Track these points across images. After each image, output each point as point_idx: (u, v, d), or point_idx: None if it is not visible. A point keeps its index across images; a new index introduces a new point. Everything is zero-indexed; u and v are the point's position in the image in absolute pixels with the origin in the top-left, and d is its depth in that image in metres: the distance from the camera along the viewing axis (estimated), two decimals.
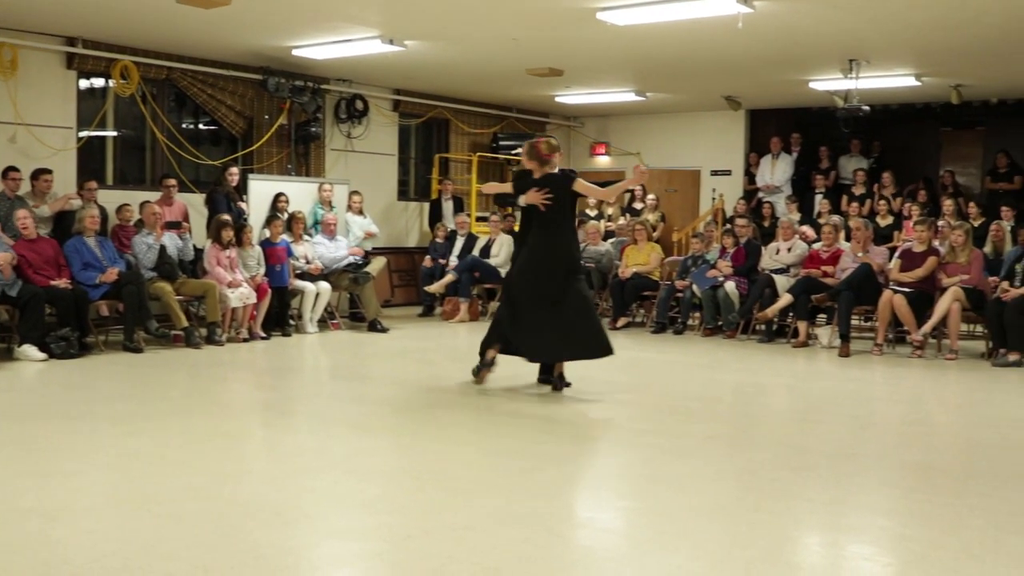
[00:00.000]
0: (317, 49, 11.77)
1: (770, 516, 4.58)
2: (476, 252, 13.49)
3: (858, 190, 14.75)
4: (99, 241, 10.02)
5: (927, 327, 10.13)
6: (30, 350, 9.05)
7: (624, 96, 15.46)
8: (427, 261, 14.17)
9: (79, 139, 11.54)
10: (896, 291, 10.26)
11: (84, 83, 11.78)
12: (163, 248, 10.45)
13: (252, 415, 7.38)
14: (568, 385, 7.97)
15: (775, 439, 6.55)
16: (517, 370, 8.37)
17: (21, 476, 5.15)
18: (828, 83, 13.37)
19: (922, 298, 10.24)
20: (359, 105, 14.45)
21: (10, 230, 9.77)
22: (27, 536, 4.13)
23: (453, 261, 13.59)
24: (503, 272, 13.54)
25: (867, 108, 12.75)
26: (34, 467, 5.34)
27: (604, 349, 7.72)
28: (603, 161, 18.43)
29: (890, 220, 13.51)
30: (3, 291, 9.02)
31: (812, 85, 13.71)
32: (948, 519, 4.57)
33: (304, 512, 4.60)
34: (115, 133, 12.39)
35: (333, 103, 14.29)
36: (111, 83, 11.74)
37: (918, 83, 13.25)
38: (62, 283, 9.43)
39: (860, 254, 10.86)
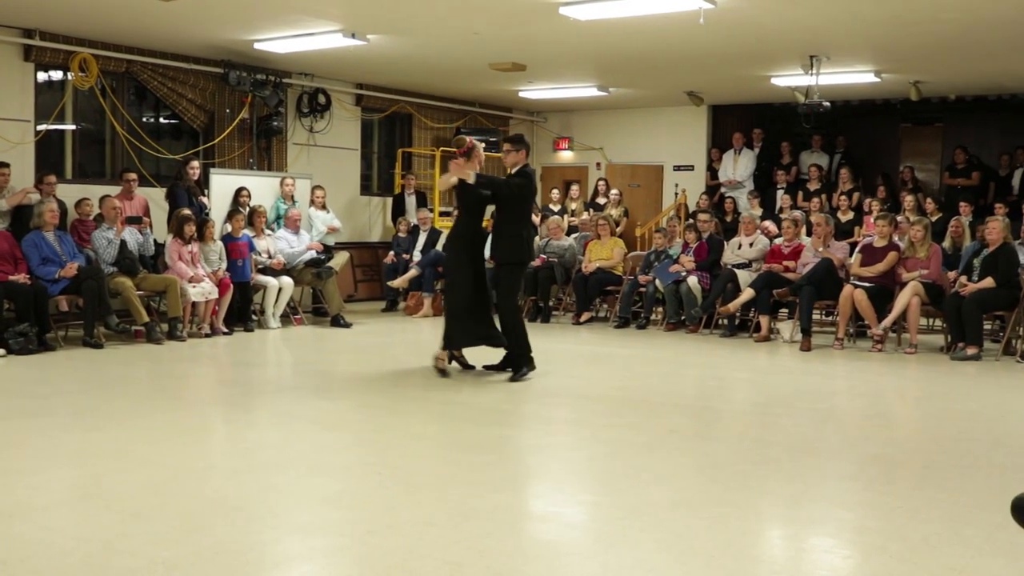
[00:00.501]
0: (279, 43, 11.71)
1: (732, 509, 4.61)
2: (439, 247, 13.45)
3: (813, 185, 14.85)
4: (58, 236, 9.92)
5: (887, 321, 10.22)
6: None
7: (587, 91, 15.49)
8: (390, 256, 14.14)
9: (37, 132, 11.41)
10: (857, 286, 10.36)
11: (42, 76, 11.65)
12: (123, 243, 10.36)
13: (214, 410, 7.34)
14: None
15: (737, 433, 6.59)
16: (476, 363, 8.41)
17: None
18: (789, 79, 13.46)
19: (882, 293, 10.34)
20: (321, 99, 14.39)
21: None
22: None
23: (416, 256, 13.57)
24: None
25: (828, 104, 12.84)
26: None
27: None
28: (566, 156, 18.45)
29: (851, 215, 13.62)
30: None
31: (774, 81, 13.80)
32: (907, 511, 4.61)
33: (266, 508, 4.58)
34: (74, 126, 12.27)
35: (295, 97, 14.22)
36: (70, 76, 11.62)
37: (878, 79, 13.37)
38: (21, 278, 9.33)
39: (821, 249, 10.94)
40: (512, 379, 8.14)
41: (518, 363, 8.29)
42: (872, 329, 10.30)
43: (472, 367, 8.49)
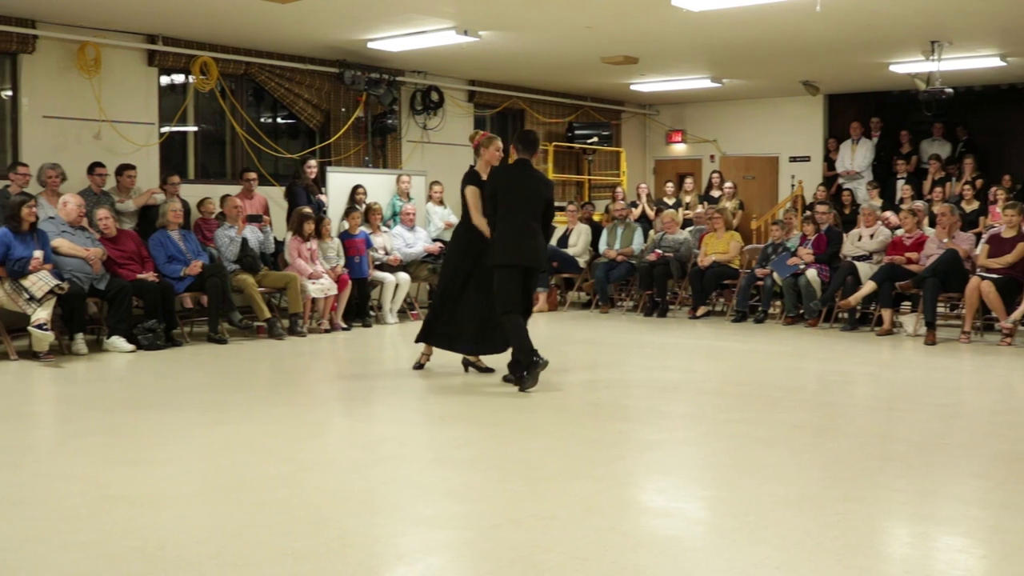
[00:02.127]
0: (392, 41, 11.83)
1: (859, 506, 4.51)
2: (554, 242, 13.47)
3: (935, 175, 14.44)
4: (183, 235, 10.19)
5: (1017, 314, 9.89)
6: (119, 341, 9.24)
7: (700, 83, 15.33)
8: None
9: (161, 135, 11.74)
10: (984, 277, 10.04)
11: (165, 79, 11.98)
12: (245, 241, 10.60)
13: (335, 405, 7.45)
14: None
15: (861, 428, 6.45)
16: (594, 360, 8.38)
17: (112, 464, 5.26)
18: (909, 65, 13.11)
19: (1011, 284, 10.01)
20: (434, 96, 14.50)
21: (96, 225, 9.99)
22: (119, 523, 4.21)
23: None
24: (581, 262, 13.55)
25: (950, 91, 12.46)
26: (124, 456, 5.46)
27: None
28: (679, 149, 18.29)
29: (976, 205, 13.22)
30: (92, 285, 9.22)
31: (892, 68, 13.46)
32: None
33: (390, 501, 4.63)
34: (195, 128, 12.59)
35: (408, 95, 14.35)
36: (191, 79, 11.92)
37: (1004, 63, 12.94)
38: (148, 276, 9.61)
39: (946, 240, 10.64)
40: (520, 388, 7.52)
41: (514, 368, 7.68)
42: (1001, 322, 9.98)
43: (490, 370, 8.21)
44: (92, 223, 9.89)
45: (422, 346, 8.35)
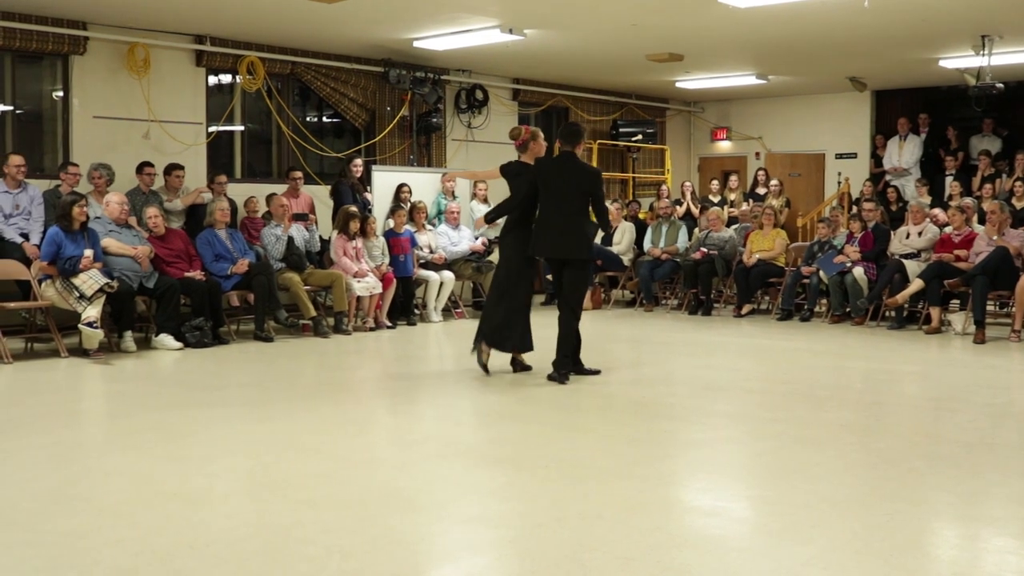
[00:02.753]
0: (437, 40, 11.87)
1: (908, 506, 4.47)
2: (598, 240, 13.41)
3: (985, 171, 14.25)
4: (230, 233, 10.28)
5: None
6: (167, 339, 9.34)
7: (745, 80, 15.25)
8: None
9: (209, 134, 11.85)
10: None
11: (212, 79, 12.10)
12: (291, 239, 10.67)
13: (380, 403, 7.49)
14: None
15: (909, 428, 6.39)
16: (639, 358, 8.36)
17: (162, 461, 5.32)
18: (959, 60, 12.96)
19: None
20: (479, 95, 14.53)
21: (145, 224, 10.11)
22: (171, 519, 4.26)
23: None
24: (626, 260, 13.51)
25: (1001, 86, 12.30)
26: (174, 452, 5.52)
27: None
28: (724, 146, 18.21)
29: None
30: (141, 283, 9.32)
31: (942, 63, 13.31)
32: None
33: (435, 499, 4.65)
34: (242, 128, 12.70)
35: (453, 93, 14.39)
36: (238, 79, 12.03)
37: None
38: (197, 275, 9.70)
39: (995, 237, 10.51)
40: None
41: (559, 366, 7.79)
42: None
43: (529, 367, 8.21)
44: (141, 222, 10.02)
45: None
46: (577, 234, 7.69)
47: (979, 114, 14.73)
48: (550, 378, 7.72)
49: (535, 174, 7.78)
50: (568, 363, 7.71)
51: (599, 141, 16.06)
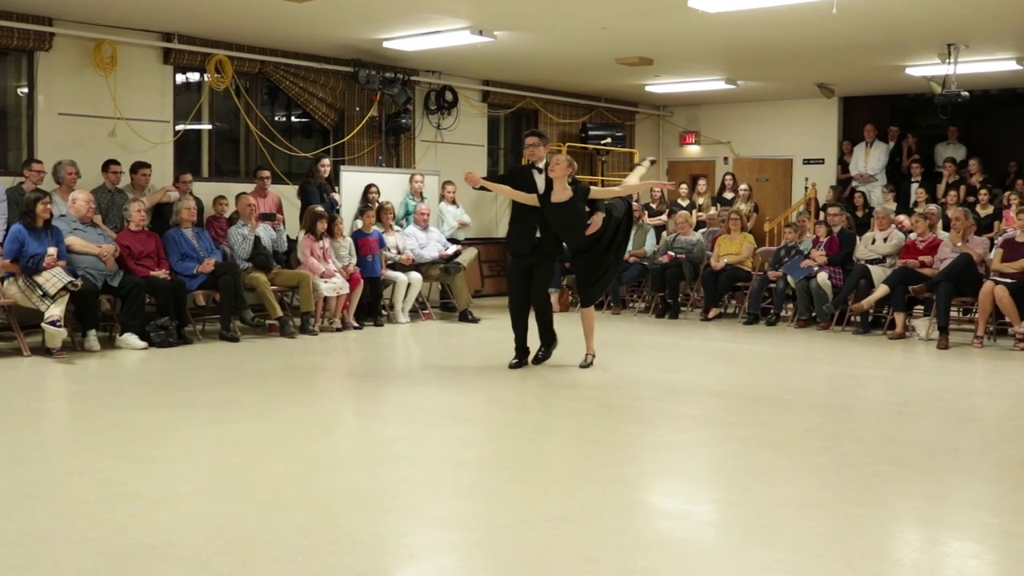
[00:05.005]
0: (407, 41, 11.84)
1: (870, 510, 4.50)
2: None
3: (949, 178, 14.39)
4: (196, 232, 10.22)
5: None
6: (131, 338, 9.27)
7: (714, 84, 15.31)
8: None
9: (176, 133, 11.77)
10: (998, 282, 9.99)
11: (180, 77, 12.02)
12: (258, 239, 10.62)
13: (346, 404, 7.47)
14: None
15: (873, 432, 6.43)
16: (606, 361, 8.38)
17: (124, 460, 5.27)
18: (925, 68, 13.07)
19: None
20: (448, 96, 14.51)
21: (111, 222, 10.03)
22: (133, 519, 4.23)
23: None
24: None
25: (966, 94, 12.42)
26: (137, 453, 5.47)
27: None
28: (693, 151, 18.28)
29: (990, 210, 13.16)
30: (106, 281, 9.25)
31: (909, 71, 13.42)
32: None
33: (400, 500, 4.63)
34: (210, 126, 12.62)
35: (423, 95, 14.37)
36: (206, 77, 11.95)
37: (1020, 67, 12.88)
38: (162, 274, 9.63)
39: (960, 244, 10.60)
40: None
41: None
42: (1014, 327, 9.93)
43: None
44: (107, 219, 9.95)
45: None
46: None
47: (945, 121, 14.87)
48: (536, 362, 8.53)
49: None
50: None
51: (568, 144, 16.07)
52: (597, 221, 8.18)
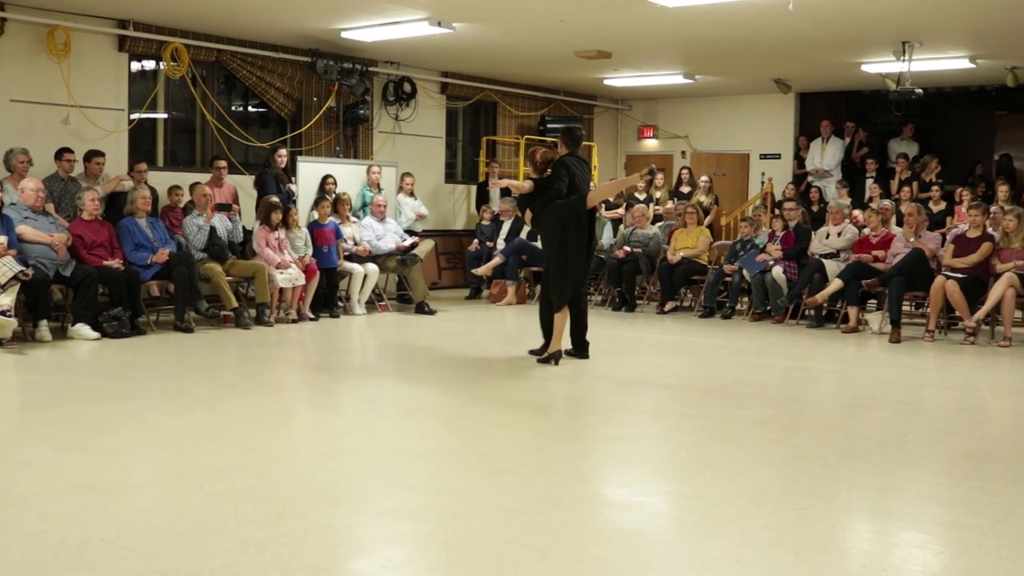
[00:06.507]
0: (366, 31, 11.80)
1: (820, 502, 4.55)
2: (523, 235, 13.46)
3: (903, 174, 14.55)
4: (150, 222, 10.12)
5: (980, 313, 9.98)
6: (83, 329, 9.17)
7: (673, 79, 15.37)
8: (474, 244, 14.20)
9: (130, 121, 11.65)
10: (949, 277, 10.12)
11: (135, 65, 11.90)
12: (213, 229, 10.54)
13: (300, 395, 7.44)
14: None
15: (824, 425, 6.50)
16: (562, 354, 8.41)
17: (75, 452, 5.22)
18: (880, 66, 13.20)
19: (975, 284, 10.10)
20: (407, 87, 14.47)
21: (64, 211, 9.91)
22: (82, 511, 4.19)
23: (500, 244, 13.60)
24: None
25: (920, 91, 12.56)
26: (87, 444, 5.42)
27: None
28: (651, 144, 18.35)
29: (943, 206, 13.33)
30: (58, 271, 9.14)
31: (864, 68, 13.55)
32: (1003, 508, 4.50)
33: (353, 492, 4.63)
34: (166, 115, 12.51)
35: (381, 85, 14.32)
36: (162, 65, 11.84)
37: (973, 65, 13.06)
38: (115, 263, 9.54)
39: (912, 239, 10.72)
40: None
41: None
42: (964, 321, 10.07)
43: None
44: (60, 208, 9.83)
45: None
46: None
47: (899, 118, 15.03)
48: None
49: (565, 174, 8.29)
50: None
51: (527, 136, 16.08)
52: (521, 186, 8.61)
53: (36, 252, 9.03)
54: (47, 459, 5.09)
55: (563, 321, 8.28)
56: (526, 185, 8.46)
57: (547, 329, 8.39)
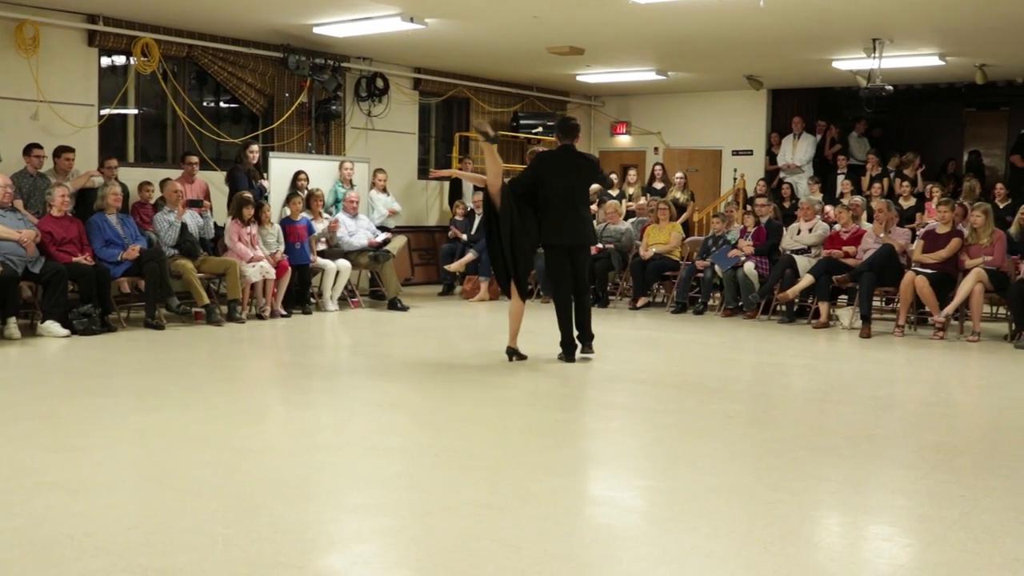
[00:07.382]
0: (338, 27, 11.76)
1: (790, 496, 4.58)
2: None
3: (873, 171, 14.66)
4: (121, 219, 10.06)
5: (949, 309, 10.06)
6: (53, 326, 9.10)
7: (645, 75, 15.41)
8: (453, 231, 14.09)
9: (100, 117, 11.57)
10: (918, 272, 10.20)
11: (105, 60, 11.81)
12: (184, 225, 10.48)
13: (272, 392, 7.42)
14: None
15: (795, 419, 6.54)
16: (534, 350, 8.42)
17: (44, 450, 5.19)
18: (851, 62, 13.28)
19: (944, 279, 10.18)
20: (379, 83, 14.44)
21: (33, 207, 9.83)
22: (51, 509, 4.17)
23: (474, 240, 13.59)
24: None
25: (890, 88, 12.64)
26: (57, 442, 5.39)
27: None
28: (623, 140, 18.38)
29: (913, 202, 13.41)
30: (27, 267, 9.07)
31: (835, 65, 13.62)
32: (969, 500, 4.55)
33: (324, 488, 4.62)
34: (136, 111, 12.42)
35: (353, 81, 14.28)
36: (132, 61, 11.76)
37: (942, 63, 13.15)
38: (85, 260, 9.47)
39: (882, 235, 10.80)
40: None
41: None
42: (934, 316, 10.16)
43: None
44: (29, 204, 9.75)
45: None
46: (589, 220, 8.50)
47: (870, 115, 15.12)
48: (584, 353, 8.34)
49: (540, 168, 8.19)
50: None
51: (500, 132, 16.03)
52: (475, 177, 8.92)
53: (5, 249, 8.96)
54: (16, 457, 5.05)
55: (518, 316, 8.36)
56: (478, 177, 8.57)
57: (565, 328, 8.35)
